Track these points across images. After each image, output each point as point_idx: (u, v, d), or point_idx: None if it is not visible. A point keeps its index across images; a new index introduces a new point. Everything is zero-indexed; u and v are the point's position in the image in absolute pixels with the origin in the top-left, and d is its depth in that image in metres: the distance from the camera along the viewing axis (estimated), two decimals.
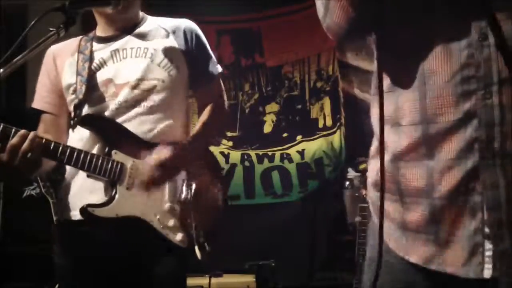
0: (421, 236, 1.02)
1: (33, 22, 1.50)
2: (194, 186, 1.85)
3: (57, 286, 3.07)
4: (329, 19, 1.06)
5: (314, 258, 4.16)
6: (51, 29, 1.56)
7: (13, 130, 1.68)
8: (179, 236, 1.79)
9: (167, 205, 1.81)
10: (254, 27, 4.61)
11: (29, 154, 1.67)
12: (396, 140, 1.05)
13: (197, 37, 1.94)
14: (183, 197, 1.83)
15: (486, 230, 0.95)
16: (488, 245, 0.95)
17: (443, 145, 0.98)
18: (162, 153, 1.77)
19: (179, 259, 1.82)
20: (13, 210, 3.93)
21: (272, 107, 4.54)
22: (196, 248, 1.75)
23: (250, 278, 3.41)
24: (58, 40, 1.60)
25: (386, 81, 1.07)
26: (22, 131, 1.68)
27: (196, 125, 1.93)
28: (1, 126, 1.68)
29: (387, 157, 1.06)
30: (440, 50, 0.99)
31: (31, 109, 1.97)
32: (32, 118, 1.94)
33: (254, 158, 4.44)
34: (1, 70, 1.47)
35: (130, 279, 1.84)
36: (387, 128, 1.06)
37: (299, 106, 4.52)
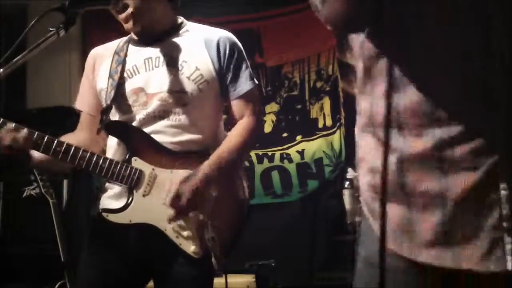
0: (431, 237, 0.99)
1: (33, 22, 1.51)
2: (214, 196, 1.78)
3: (57, 286, 3.07)
4: (325, 10, 1.00)
5: (314, 258, 4.15)
6: (51, 29, 1.57)
7: (1, 120, 1.71)
8: (193, 247, 1.75)
9: None
10: (254, 27, 4.61)
11: (5, 143, 1.69)
12: (400, 143, 1.02)
13: (231, 49, 1.89)
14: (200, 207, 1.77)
15: (504, 224, 0.94)
16: (508, 239, 0.94)
17: (457, 147, 0.96)
18: (185, 187, 1.71)
19: (197, 268, 1.78)
20: (13, 210, 3.93)
21: (272, 107, 4.54)
22: (213, 259, 1.72)
23: (250, 278, 3.41)
24: (58, 40, 1.60)
25: (381, 86, 1.03)
26: None
27: (223, 147, 1.81)
28: None
29: (390, 160, 1.03)
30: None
31: (74, 108, 2.01)
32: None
33: (253, 158, 4.43)
34: (1, 70, 1.48)
35: (142, 284, 1.88)
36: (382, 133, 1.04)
37: (299, 106, 4.52)
